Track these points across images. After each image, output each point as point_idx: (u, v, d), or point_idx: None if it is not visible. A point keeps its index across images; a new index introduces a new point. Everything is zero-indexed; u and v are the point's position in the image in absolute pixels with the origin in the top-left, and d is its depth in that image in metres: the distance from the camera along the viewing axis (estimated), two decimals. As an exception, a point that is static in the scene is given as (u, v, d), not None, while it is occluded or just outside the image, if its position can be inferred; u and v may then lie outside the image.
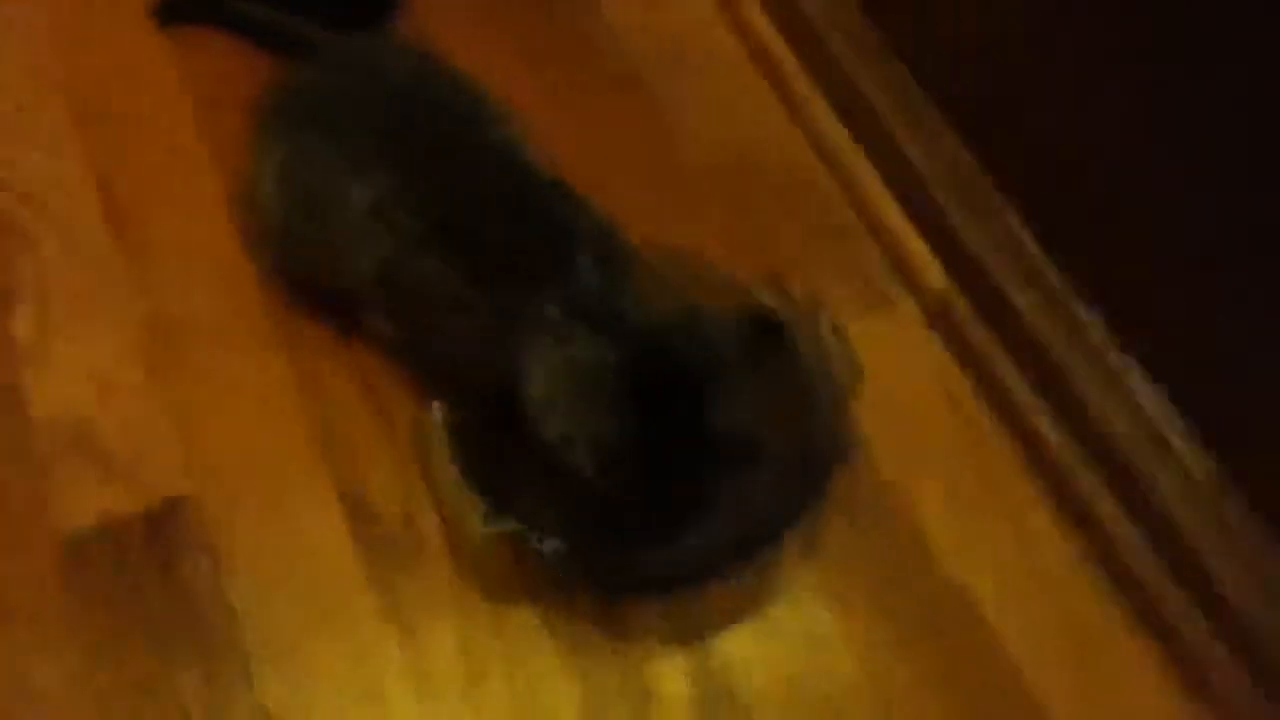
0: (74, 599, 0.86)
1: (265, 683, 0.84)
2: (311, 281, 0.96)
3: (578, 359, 0.79)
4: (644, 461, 0.79)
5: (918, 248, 1.08)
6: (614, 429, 0.78)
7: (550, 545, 0.81)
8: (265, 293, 1.02)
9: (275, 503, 0.92)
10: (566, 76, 1.17)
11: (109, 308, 1.01)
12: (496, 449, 0.83)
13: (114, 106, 1.14)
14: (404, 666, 0.85)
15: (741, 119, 1.17)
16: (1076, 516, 0.94)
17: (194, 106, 1.14)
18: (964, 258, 1.03)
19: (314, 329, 1.00)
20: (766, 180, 1.13)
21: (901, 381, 1.00)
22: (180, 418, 0.95)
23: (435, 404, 0.85)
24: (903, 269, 1.08)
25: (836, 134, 1.16)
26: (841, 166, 1.14)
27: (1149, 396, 0.91)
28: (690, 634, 0.88)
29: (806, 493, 0.87)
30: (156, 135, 1.12)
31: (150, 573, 0.88)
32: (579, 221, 0.85)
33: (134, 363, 0.98)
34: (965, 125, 1.04)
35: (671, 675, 0.86)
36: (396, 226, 0.84)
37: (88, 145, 1.11)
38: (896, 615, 0.90)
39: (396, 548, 0.90)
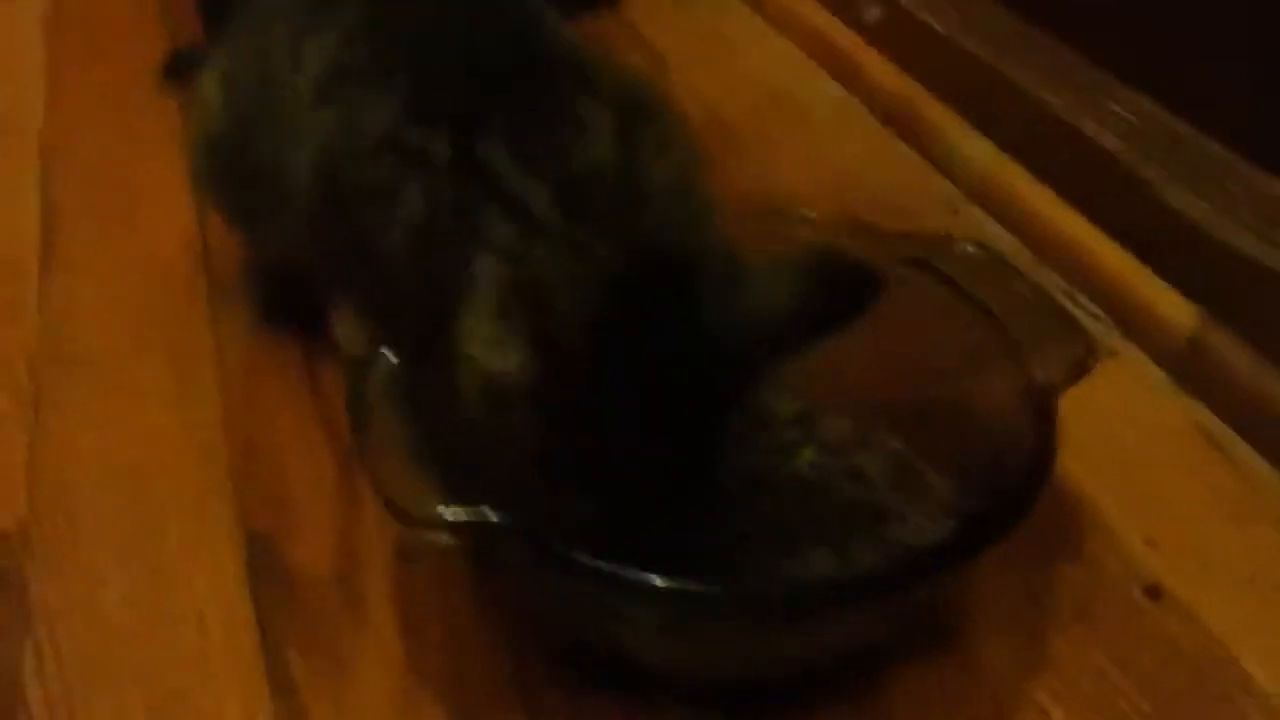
0: None
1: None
2: (247, 216, 0.68)
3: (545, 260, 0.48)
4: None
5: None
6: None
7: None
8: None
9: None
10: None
11: None
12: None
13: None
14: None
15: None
16: None
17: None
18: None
19: (263, 345, 0.71)
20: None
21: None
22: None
23: (381, 350, 0.52)
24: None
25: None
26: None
27: None
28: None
29: (970, 523, 0.50)
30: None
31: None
32: (600, 77, 0.55)
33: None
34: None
35: None
36: (350, 79, 0.56)
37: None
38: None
39: (316, 603, 0.55)
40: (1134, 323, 0.73)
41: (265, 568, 0.57)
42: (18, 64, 1.01)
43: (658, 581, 0.44)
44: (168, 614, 0.55)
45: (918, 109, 0.92)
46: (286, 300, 0.71)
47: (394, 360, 0.51)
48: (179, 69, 0.97)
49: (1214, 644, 0.55)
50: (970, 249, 0.59)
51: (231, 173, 0.66)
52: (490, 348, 0.46)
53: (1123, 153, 0.76)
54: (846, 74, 0.99)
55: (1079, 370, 0.54)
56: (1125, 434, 0.66)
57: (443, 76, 0.54)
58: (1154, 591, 0.57)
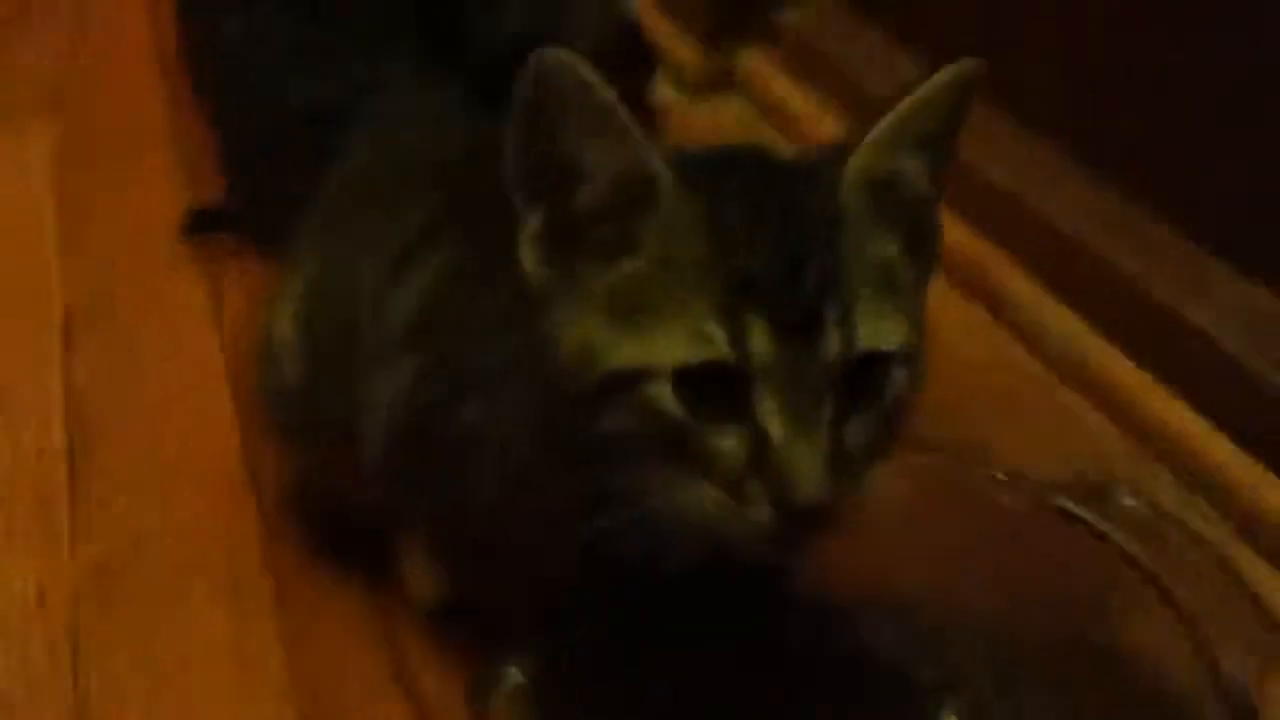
0: None
1: None
2: (316, 456, 0.62)
3: None
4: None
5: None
6: None
7: None
8: (257, 526, 0.67)
9: None
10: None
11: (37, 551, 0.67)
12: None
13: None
14: None
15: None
16: None
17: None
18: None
19: (325, 584, 0.64)
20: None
21: None
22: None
23: (510, 667, 0.46)
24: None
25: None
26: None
27: None
28: None
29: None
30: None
31: None
32: None
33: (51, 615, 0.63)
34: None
35: None
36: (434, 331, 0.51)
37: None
38: None
39: None
40: (1248, 524, 0.68)
41: None
42: (26, 218, 0.94)
43: None
44: None
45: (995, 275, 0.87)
46: (345, 531, 0.65)
47: (520, 676, 0.45)
48: (201, 227, 0.92)
49: None
50: (1131, 502, 0.54)
51: (305, 417, 0.60)
52: None
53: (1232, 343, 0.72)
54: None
55: (1271, 664, 0.49)
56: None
57: None
58: None
